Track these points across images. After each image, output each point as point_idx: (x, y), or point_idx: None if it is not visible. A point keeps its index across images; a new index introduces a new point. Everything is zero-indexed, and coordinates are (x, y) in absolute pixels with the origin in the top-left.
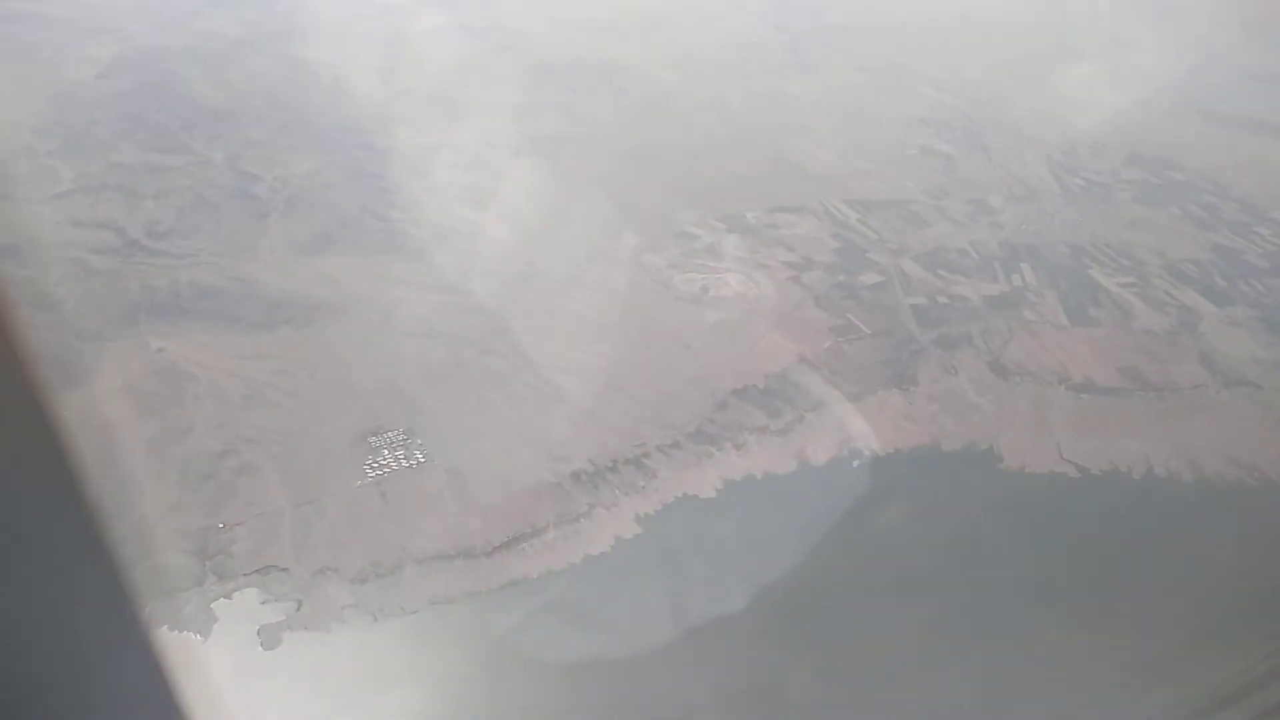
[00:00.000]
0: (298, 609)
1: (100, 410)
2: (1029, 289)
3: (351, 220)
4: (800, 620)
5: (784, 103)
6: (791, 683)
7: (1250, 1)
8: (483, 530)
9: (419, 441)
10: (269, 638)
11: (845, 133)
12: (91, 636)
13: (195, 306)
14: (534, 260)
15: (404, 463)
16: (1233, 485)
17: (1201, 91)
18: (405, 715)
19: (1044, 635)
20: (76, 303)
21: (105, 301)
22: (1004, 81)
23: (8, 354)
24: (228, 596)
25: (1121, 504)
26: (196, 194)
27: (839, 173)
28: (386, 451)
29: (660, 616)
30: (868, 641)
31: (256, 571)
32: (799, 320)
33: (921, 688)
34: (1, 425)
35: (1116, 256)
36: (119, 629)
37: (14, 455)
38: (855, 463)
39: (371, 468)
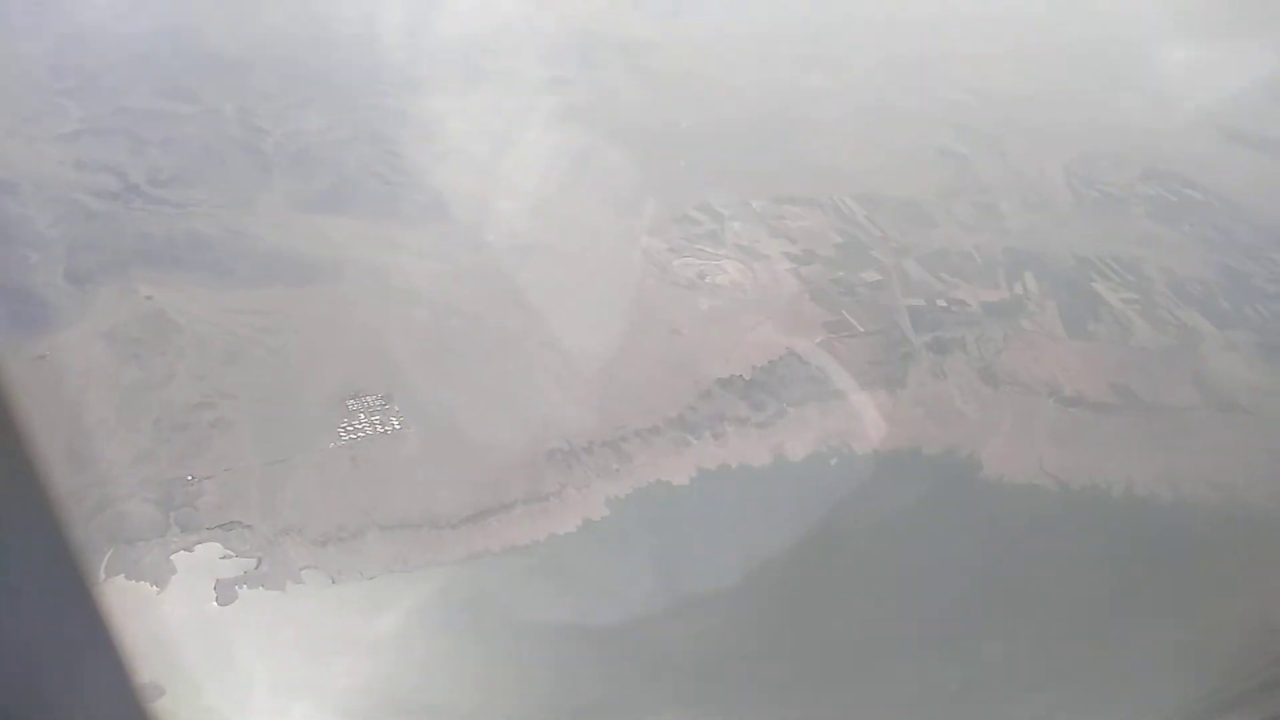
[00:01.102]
0: (256, 566)
1: (82, 354)
2: (1029, 298)
3: (355, 181)
4: (754, 614)
5: (804, 94)
6: (732, 676)
7: None
8: (450, 501)
9: (396, 408)
10: (224, 593)
11: (862, 128)
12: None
13: (189, 257)
14: (533, 235)
15: (379, 428)
16: (1211, 510)
17: (1229, 111)
18: (349, 678)
19: (998, 644)
20: (70, 244)
21: (99, 245)
22: (1031, 88)
23: None
24: (189, 549)
25: (1097, 521)
26: (202, 144)
27: (851, 168)
28: (363, 416)
29: (615, 602)
30: (815, 639)
31: (220, 526)
32: (793, 313)
33: (873, 689)
34: None
35: (1123, 271)
36: (67, 583)
37: None
38: (833, 461)
39: (346, 431)
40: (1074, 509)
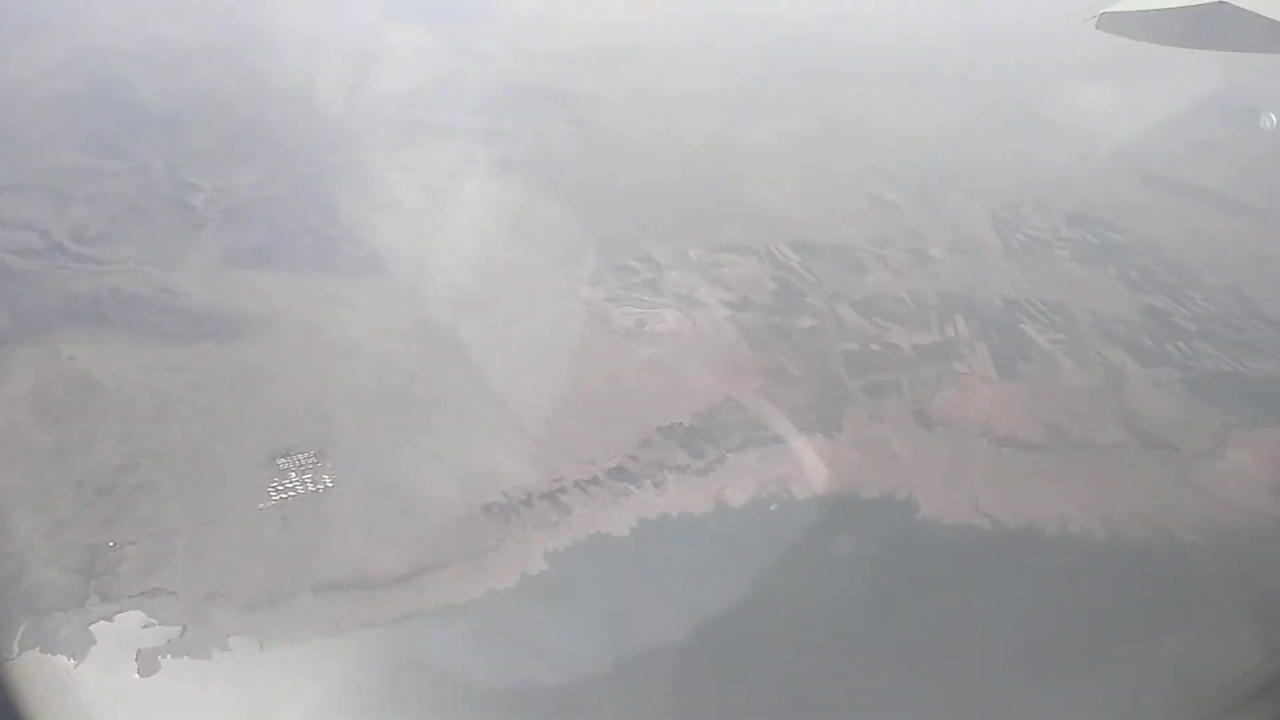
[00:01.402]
0: (181, 635)
1: (0, 418)
2: (961, 340)
3: (289, 236)
4: (696, 667)
5: (740, 144)
6: None
7: (1205, 75)
8: (384, 560)
9: (329, 466)
10: (146, 664)
11: (797, 177)
12: None
13: (115, 315)
14: (470, 287)
15: (311, 487)
16: (1142, 546)
17: (1147, 156)
18: None
19: (943, 687)
20: None
21: (20, 304)
22: (959, 138)
23: None
24: (109, 619)
25: (1033, 559)
26: (130, 200)
27: (786, 216)
28: (294, 474)
29: (555, 660)
30: (759, 687)
31: (142, 594)
32: (731, 360)
33: None
34: None
35: (1049, 313)
36: None
37: None
38: (772, 506)
39: (277, 490)
40: (1009, 547)
